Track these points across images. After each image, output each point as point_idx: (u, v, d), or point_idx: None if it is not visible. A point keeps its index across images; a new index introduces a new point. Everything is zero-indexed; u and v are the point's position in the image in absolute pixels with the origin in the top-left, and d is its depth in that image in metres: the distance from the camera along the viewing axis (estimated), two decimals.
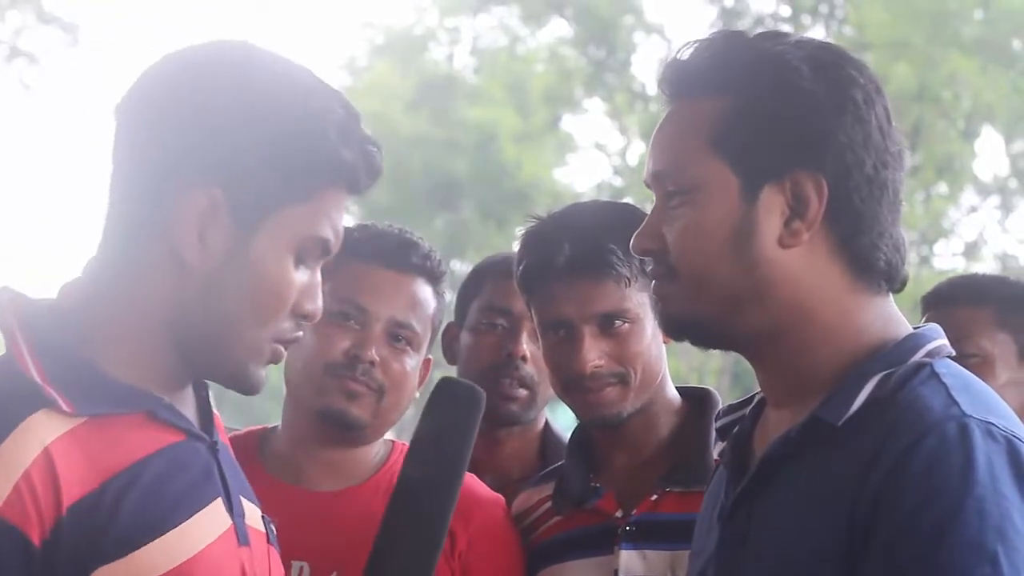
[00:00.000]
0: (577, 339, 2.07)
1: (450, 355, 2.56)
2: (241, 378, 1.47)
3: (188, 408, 1.52)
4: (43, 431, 1.32)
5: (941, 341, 1.48)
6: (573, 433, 2.26)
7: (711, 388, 2.28)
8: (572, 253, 2.07)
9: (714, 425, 2.12)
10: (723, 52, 1.49)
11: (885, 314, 1.49)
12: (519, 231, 2.22)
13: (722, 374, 19.34)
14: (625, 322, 2.06)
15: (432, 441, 1.42)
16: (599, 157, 26.32)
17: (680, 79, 1.52)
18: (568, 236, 2.09)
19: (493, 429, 2.50)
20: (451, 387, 1.49)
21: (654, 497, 2.08)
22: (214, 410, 1.60)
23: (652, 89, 21.54)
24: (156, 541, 1.37)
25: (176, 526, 1.39)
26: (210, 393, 1.57)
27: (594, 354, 2.06)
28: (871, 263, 1.47)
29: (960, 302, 2.63)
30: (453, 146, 20.77)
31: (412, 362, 2.15)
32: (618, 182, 22.29)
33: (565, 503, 2.17)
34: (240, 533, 1.50)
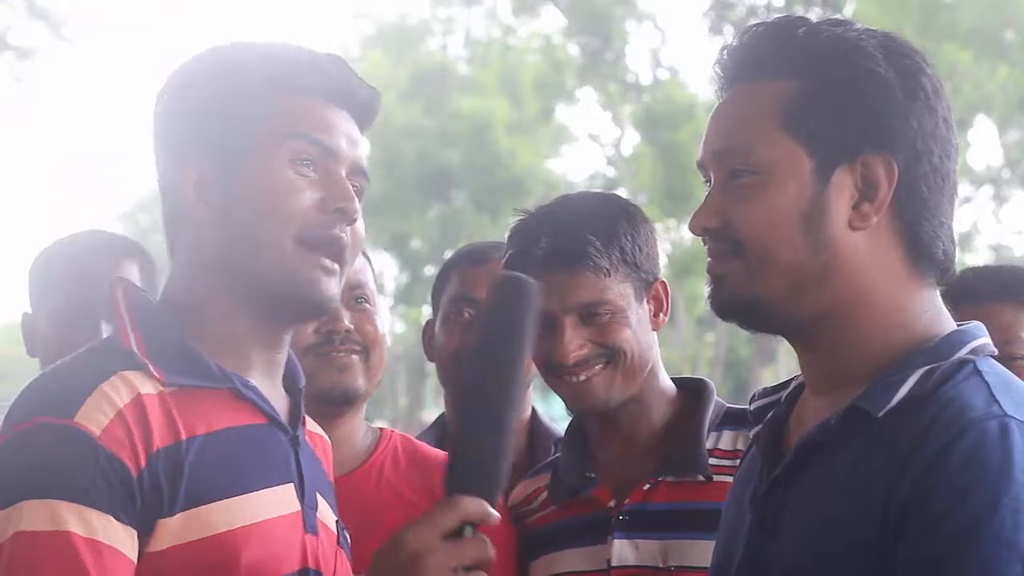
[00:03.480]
0: (559, 330, 2.07)
1: (430, 351, 2.56)
2: (296, 287, 1.53)
3: (279, 402, 1.60)
4: (137, 383, 1.45)
5: (984, 339, 1.46)
6: (570, 423, 2.26)
7: (707, 378, 2.27)
8: (549, 245, 2.08)
9: (709, 415, 2.12)
10: (791, 36, 1.49)
11: (933, 307, 1.48)
12: (509, 224, 2.23)
13: (715, 364, 19.37)
14: (606, 313, 2.07)
15: (494, 324, 1.43)
16: (593, 148, 26.35)
17: (746, 61, 1.51)
18: (547, 229, 2.10)
19: None
20: (502, 284, 1.50)
21: (646, 487, 2.08)
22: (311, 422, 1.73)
23: (646, 79, 21.55)
24: (218, 502, 1.45)
25: (241, 494, 1.47)
26: (302, 398, 1.66)
27: (575, 344, 2.06)
28: (931, 252, 1.46)
29: (997, 299, 2.49)
30: (447, 136, 20.77)
31: (377, 318, 2.20)
32: (611, 172, 22.33)
33: (560, 492, 2.18)
34: (308, 522, 1.55)
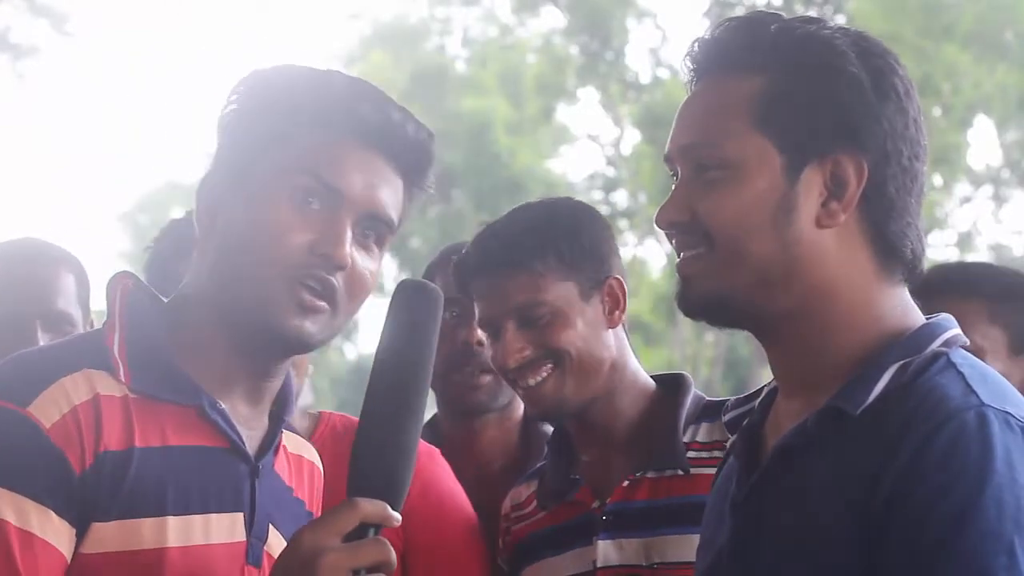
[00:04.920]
0: (500, 333, 2.10)
1: None
2: (270, 321, 1.50)
3: (253, 430, 1.58)
4: (98, 383, 1.44)
5: (956, 331, 1.48)
6: (554, 428, 2.27)
7: (685, 372, 2.28)
8: (483, 250, 2.13)
9: (686, 408, 2.12)
10: (762, 30, 1.49)
11: (903, 303, 1.49)
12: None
13: (715, 363, 19.35)
14: (545, 314, 2.08)
15: (398, 329, 1.44)
16: (593, 148, 26.33)
17: (716, 55, 1.52)
18: (487, 236, 2.15)
19: (468, 420, 2.50)
20: (405, 287, 1.49)
21: (626, 484, 2.09)
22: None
23: (646, 79, 21.53)
24: (154, 519, 1.43)
25: (179, 514, 1.45)
26: (283, 431, 1.64)
27: (515, 347, 2.08)
28: (899, 251, 1.47)
29: (949, 294, 2.53)
30: (447, 137, 20.75)
31: None
32: (611, 172, 22.30)
33: (547, 498, 2.19)
34: (252, 554, 1.53)
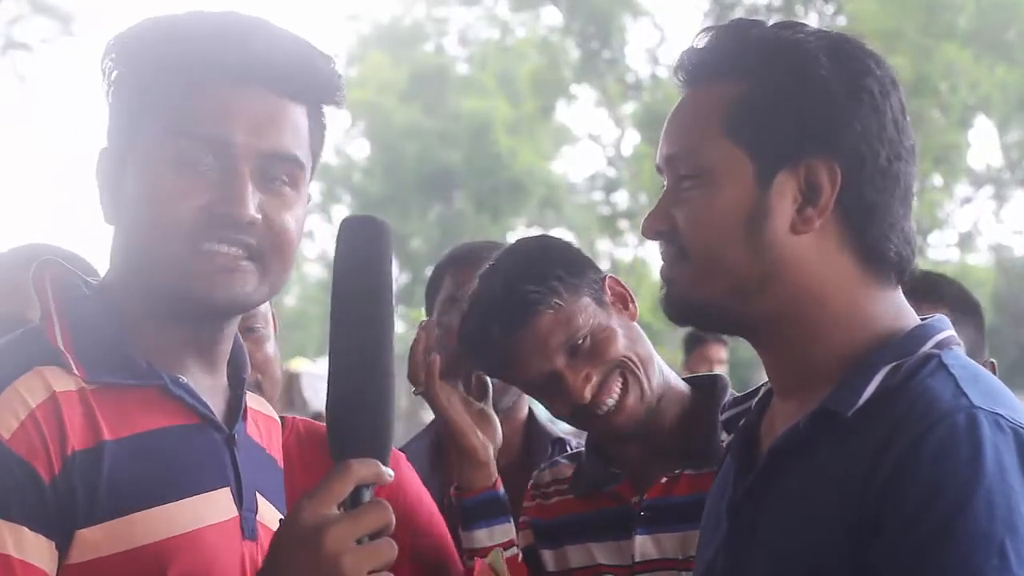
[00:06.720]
0: (561, 380, 2.06)
1: None
2: (195, 291, 1.40)
3: (217, 398, 1.50)
4: (52, 380, 1.34)
5: (949, 332, 1.47)
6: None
7: (720, 373, 2.29)
8: (501, 317, 2.06)
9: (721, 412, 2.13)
10: (739, 39, 1.49)
11: (895, 305, 1.49)
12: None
13: None
14: (585, 336, 2.06)
15: (353, 263, 1.33)
16: (593, 148, 26.36)
17: (696, 65, 1.51)
18: (488, 305, 2.09)
19: None
20: (348, 225, 1.35)
21: (664, 480, 2.09)
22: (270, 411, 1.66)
23: (645, 78, 21.53)
24: (142, 512, 1.35)
25: (168, 502, 1.38)
26: (246, 394, 1.57)
27: (581, 380, 2.04)
28: (881, 254, 1.46)
29: (918, 298, 2.54)
30: (447, 137, 20.77)
31: (267, 343, 2.22)
32: (611, 172, 22.31)
33: (583, 485, 2.19)
34: (246, 527, 1.46)
